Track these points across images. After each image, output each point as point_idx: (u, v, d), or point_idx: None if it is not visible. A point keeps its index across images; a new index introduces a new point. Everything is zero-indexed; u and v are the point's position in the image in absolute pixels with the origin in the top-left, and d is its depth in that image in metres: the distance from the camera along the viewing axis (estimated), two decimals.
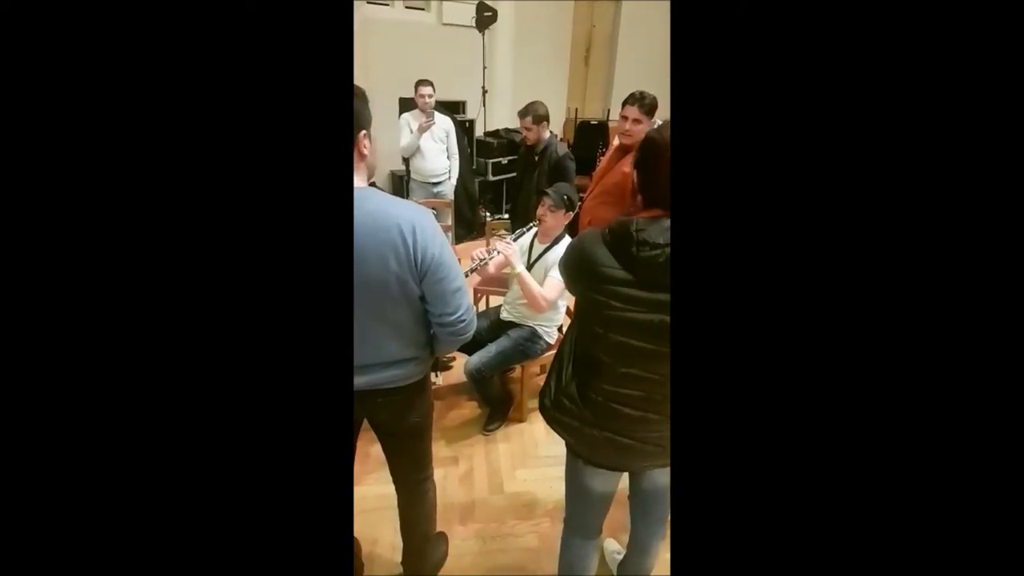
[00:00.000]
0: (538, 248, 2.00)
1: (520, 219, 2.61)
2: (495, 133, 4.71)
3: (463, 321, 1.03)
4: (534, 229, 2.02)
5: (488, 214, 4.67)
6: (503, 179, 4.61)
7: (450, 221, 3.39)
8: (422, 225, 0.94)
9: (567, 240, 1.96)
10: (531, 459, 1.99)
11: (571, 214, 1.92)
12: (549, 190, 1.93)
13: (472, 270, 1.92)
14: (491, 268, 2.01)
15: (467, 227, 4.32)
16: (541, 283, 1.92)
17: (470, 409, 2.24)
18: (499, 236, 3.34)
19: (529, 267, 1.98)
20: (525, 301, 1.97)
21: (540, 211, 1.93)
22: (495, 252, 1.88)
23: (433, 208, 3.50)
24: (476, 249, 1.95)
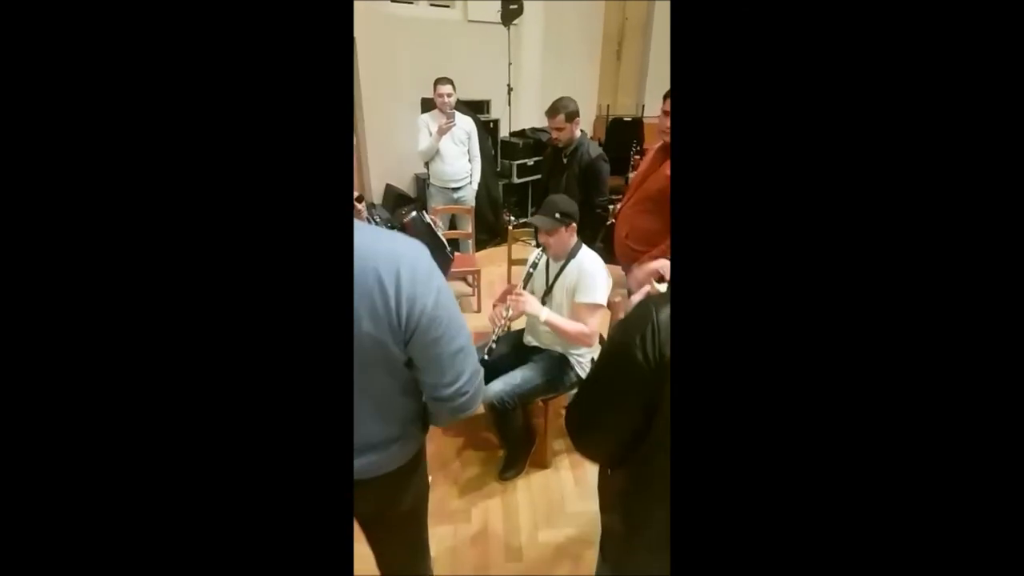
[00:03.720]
0: (554, 267, 1.71)
1: None
2: (521, 133, 4.44)
3: (465, 394, 0.74)
4: (543, 256, 1.73)
5: (512, 218, 4.41)
6: (528, 181, 4.34)
7: (470, 228, 3.14)
8: (409, 268, 0.67)
9: (585, 252, 1.66)
10: (556, 516, 1.69)
11: (574, 226, 1.64)
12: (535, 218, 1.64)
13: (495, 342, 1.67)
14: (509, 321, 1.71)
15: (490, 233, 4.05)
16: (564, 305, 1.63)
17: (485, 449, 1.95)
18: (523, 242, 3.05)
19: (550, 287, 1.69)
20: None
21: (540, 239, 1.66)
22: (509, 309, 1.62)
23: (452, 214, 3.35)
24: (497, 308, 1.71)
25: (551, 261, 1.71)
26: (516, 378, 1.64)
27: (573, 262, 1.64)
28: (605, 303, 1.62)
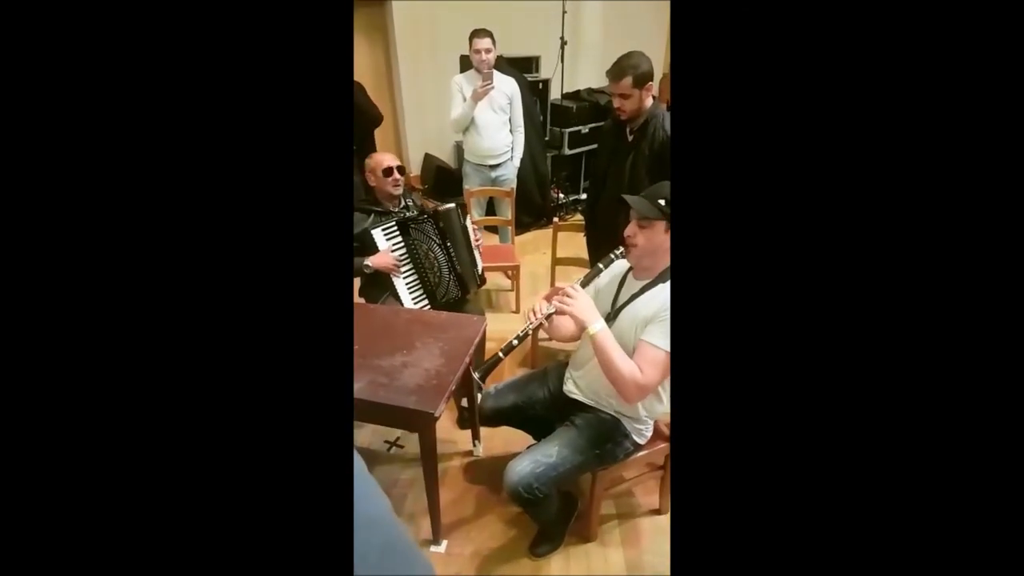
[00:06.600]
0: (632, 285, 1.24)
1: (603, 229, 1.81)
2: (575, 95, 3.85)
3: None
4: (622, 261, 1.26)
5: (562, 195, 3.90)
6: (582, 152, 3.78)
7: (511, 214, 2.68)
8: None
9: None
10: None
11: None
12: (633, 199, 1.20)
13: (524, 335, 1.25)
14: (558, 328, 1.30)
15: (535, 214, 3.57)
16: (628, 341, 1.18)
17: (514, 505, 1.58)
18: (572, 230, 2.56)
19: (615, 313, 1.24)
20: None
21: (628, 230, 1.20)
22: (551, 306, 1.21)
23: (490, 198, 2.89)
24: (537, 301, 1.28)
25: (631, 276, 1.26)
26: (550, 455, 1.21)
27: (661, 287, 1.18)
28: None
